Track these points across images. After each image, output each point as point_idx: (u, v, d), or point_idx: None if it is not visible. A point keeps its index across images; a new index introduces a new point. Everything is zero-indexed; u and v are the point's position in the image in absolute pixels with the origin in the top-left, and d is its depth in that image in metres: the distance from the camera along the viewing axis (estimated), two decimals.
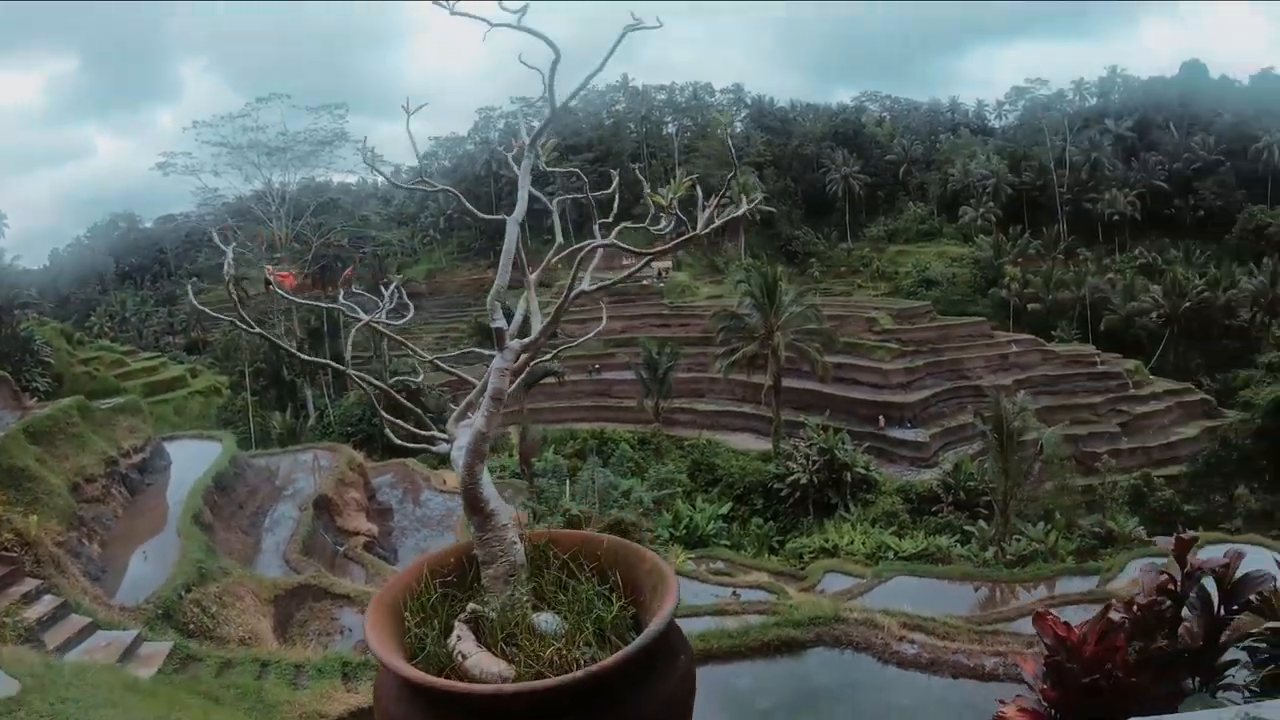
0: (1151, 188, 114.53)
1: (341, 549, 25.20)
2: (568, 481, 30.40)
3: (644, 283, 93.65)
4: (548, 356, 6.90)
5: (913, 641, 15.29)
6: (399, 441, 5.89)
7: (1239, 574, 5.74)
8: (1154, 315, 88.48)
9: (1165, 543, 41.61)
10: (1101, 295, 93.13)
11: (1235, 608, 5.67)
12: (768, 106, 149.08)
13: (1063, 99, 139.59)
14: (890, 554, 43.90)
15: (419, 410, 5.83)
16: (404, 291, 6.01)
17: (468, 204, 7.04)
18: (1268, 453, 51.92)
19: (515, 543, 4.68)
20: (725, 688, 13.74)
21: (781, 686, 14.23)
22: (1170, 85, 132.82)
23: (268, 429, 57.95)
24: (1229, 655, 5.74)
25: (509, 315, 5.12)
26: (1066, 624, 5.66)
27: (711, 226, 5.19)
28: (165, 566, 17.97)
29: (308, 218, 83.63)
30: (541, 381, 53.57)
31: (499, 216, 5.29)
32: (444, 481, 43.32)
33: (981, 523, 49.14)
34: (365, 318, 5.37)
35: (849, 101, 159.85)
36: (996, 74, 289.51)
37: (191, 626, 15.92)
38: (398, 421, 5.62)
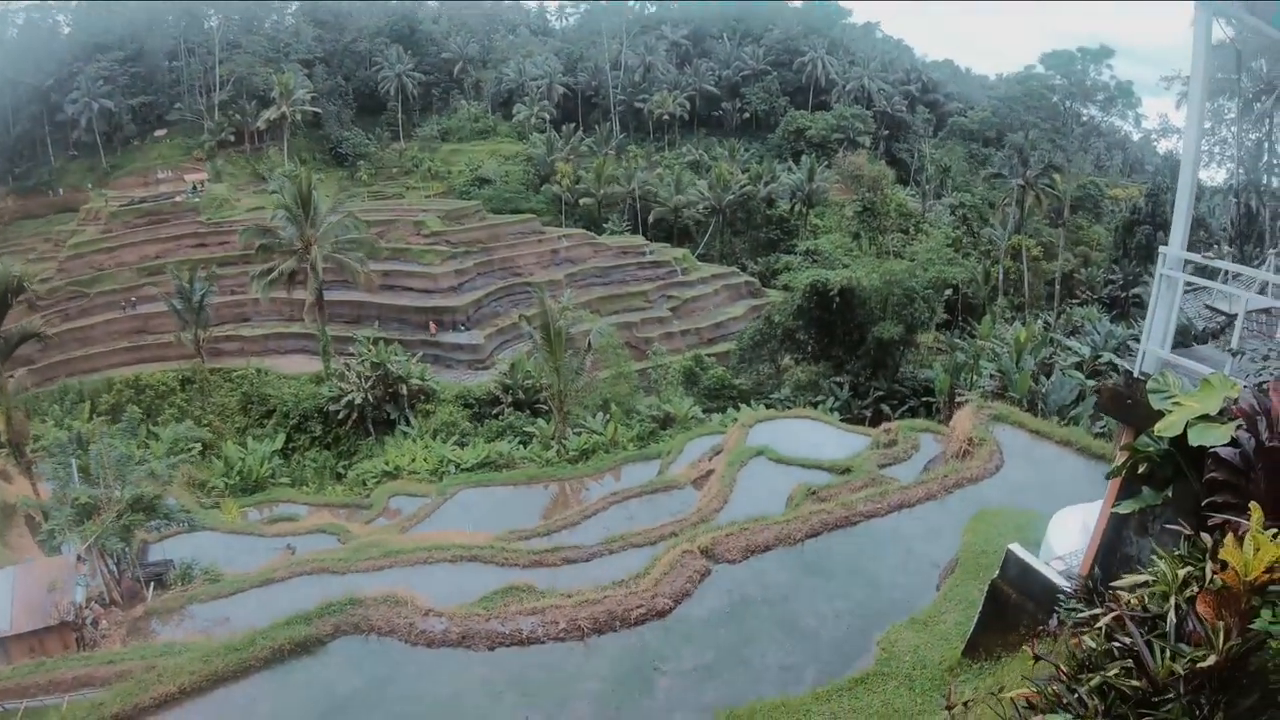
0: (702, 91, 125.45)
1: None
2: (74, 460, 26.07)
3: (176, 199, 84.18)
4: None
5: (440, 615, 15.06)
6: None
7: None
8: (700, 207, 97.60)
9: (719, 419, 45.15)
10: (650, 189, 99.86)
11: None
12: None
13: (623, 5, 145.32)
14: (453, 467, 44.26)
15: None
16: None
17: None
18: (807, 328, 57.35)
19: None
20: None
21: (304, 701, 13.08)
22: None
23: None
24: None
25: None
26: None
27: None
28: None
29: None
30: (28, 341, 44.81)
31: None
32: None
33: (541, 421, 50.54)
34: None
35: None
36: None
37: None
38: None
